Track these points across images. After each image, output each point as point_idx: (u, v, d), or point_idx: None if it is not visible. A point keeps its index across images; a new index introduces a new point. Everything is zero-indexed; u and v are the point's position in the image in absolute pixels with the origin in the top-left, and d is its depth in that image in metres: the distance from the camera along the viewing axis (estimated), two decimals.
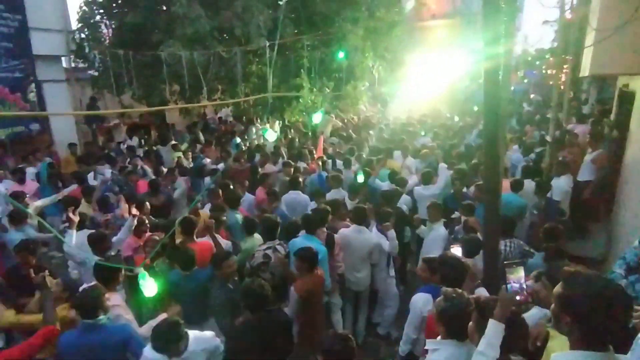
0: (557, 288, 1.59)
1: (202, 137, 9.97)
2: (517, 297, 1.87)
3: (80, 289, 2.68)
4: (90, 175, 6.56)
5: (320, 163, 6.86)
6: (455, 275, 2.63)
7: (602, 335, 1.49)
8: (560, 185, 5.52)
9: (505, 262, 1.95)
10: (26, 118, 8.42)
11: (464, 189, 5.38)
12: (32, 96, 8.40)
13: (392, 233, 4.34)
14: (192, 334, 2.51)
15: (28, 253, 3.62)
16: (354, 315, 4.45)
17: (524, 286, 1.92)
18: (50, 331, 2.60)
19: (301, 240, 3.85)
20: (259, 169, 6.78)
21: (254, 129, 10.91)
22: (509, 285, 1.91)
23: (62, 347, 2.50)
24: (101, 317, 2.50)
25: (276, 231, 3.96)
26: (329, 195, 5.40)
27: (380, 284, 4.41)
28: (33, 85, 8.46)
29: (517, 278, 1.90)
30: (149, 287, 2.43)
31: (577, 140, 7.10)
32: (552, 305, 1.62)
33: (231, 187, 5.24)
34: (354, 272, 4.19)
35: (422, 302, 2.81)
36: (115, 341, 2.53)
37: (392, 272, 4.48)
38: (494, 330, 1.76)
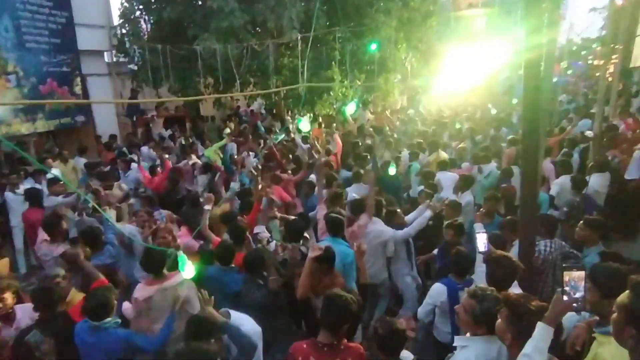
0: (623, 297, 1.46)
1: (233, 128, 10.19)
2: (574, 305, 1.69)
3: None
4: None
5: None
6: (503, 276, 2.46)
7: None
8: (591, 183, 5.10)
9: (564, 265, 1.77)
10: (72, 110, 8.90)
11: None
12: (77, 89, 8.87)
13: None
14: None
15: None
16: (369, 312, 4.08)
17: (583, 293, 1.70)
18: None
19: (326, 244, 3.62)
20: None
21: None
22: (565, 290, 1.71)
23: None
24: (107, 320, 2.46)
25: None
26: (350, 190, 5.27)
27: (399, 278, 4.25)
28: (78, 79, 8.93)
29: (576, 283, 1.70)
30: (188, 269, 2.54)
31: (625, 136, 6.65)
32: (614, 315, 1.49)
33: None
34: (367, 263, 4.01)
35: (435, 291, 3.00)
36: (117, 343, 2.50)
37: (414, 271, 4.33)
38: (543, 334, 1.67)
